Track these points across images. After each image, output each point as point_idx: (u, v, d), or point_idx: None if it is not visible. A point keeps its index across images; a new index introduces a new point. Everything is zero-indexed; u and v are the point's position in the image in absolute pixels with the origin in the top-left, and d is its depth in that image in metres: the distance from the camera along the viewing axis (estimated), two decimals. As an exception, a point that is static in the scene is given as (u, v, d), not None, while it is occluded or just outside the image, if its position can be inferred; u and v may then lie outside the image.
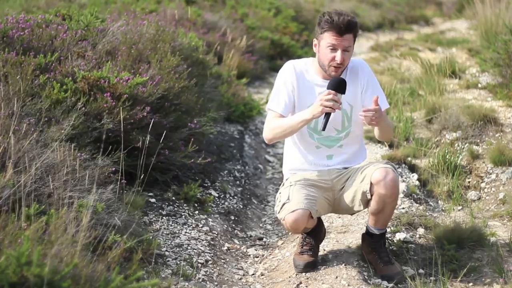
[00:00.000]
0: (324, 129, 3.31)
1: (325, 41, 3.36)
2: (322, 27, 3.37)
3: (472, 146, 5.26)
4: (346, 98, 3.45)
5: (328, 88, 3.29)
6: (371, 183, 3.37)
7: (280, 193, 3.54)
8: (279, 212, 3.46)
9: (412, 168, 5.17)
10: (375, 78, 3.57)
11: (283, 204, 3.42)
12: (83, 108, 3.98)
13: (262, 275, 3.82)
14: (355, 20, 3.37)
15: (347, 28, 3.32)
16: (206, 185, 4.87)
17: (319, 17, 3.44)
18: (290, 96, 3.46)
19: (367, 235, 3.60)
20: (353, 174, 3.50)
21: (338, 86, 3.29)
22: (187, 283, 3.39)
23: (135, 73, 4.46)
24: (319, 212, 3.49)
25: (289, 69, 3.50)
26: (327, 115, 3.28)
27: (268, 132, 3.48)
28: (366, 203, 3.45)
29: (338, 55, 3.34)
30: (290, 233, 4.31)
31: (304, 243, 3.64)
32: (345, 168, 3.56)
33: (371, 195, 3.38)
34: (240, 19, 10.33)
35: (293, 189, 3.46)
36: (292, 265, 3.67)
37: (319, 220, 3.68)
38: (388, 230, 3.63)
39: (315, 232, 3.65)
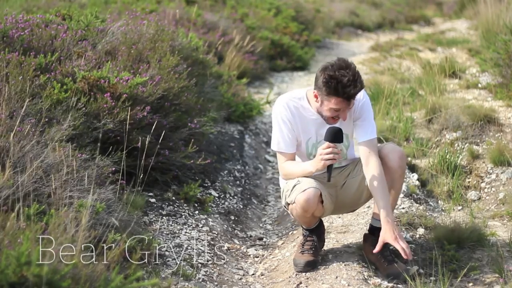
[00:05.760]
0: (329, 180, 3.38)
1: (329, 104, 3.31)
2: (327, 91, 3.27)
3: (472, 146, 5.26)
4: (343, 130, 3.42)
5: (325, 140, 3.32)
6: None
7: (286, 183, 3.56)
8: (289, 196, 3.46)
9: (412, 168, 5.16)
10: (369, 107, 3.50)
11: (294, 186, 3.43)
12: (83, 108, 3.98)
13: (262, 275, 3.82)
14: (361, 79, 3.25)
15: (354, 96, 3.28)
16: (206, 185, 4.87)
17: (321, 73, 3.28)
18: (292, 132, 3.49)
19: (370, 234, 3.61)
20: (354, 166, 3.60)
21: (335, 137, 3.30)
22: (187, 283, 3.39)
23: (135, 73, 4.46)
24: (326, 202, 3.47)
25: (283, 107, 3.48)
26: (329, 166, 3.34)
27: (284, 176, 3.59)
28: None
29: (343, 115, 3.35)
30: (290, 233, 4.32)
31: (306, 242, 3.64)
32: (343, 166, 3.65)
33: None
34: (240, 19, 10.33)
35: (300, 177, 3.48)
36: (292, 265, 3.66)
37: (321, 224, 3.69)
38: (388, 230, 3.63)
39: (319, 231, 3.66)
